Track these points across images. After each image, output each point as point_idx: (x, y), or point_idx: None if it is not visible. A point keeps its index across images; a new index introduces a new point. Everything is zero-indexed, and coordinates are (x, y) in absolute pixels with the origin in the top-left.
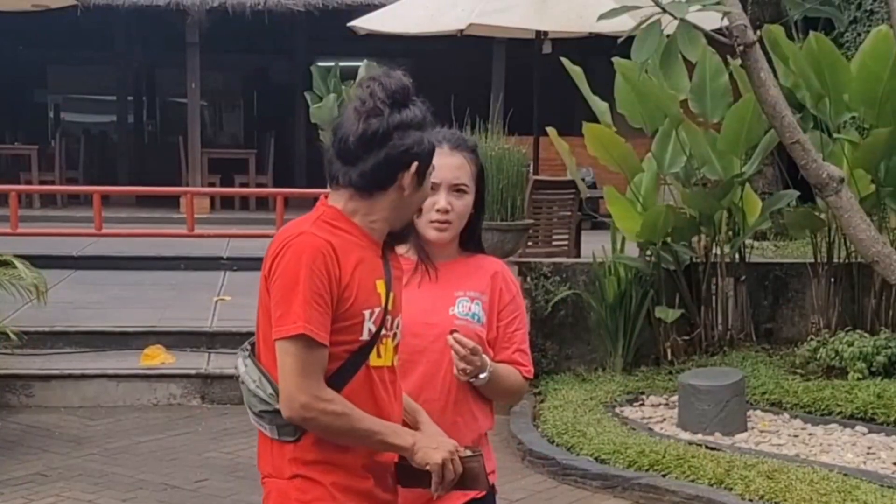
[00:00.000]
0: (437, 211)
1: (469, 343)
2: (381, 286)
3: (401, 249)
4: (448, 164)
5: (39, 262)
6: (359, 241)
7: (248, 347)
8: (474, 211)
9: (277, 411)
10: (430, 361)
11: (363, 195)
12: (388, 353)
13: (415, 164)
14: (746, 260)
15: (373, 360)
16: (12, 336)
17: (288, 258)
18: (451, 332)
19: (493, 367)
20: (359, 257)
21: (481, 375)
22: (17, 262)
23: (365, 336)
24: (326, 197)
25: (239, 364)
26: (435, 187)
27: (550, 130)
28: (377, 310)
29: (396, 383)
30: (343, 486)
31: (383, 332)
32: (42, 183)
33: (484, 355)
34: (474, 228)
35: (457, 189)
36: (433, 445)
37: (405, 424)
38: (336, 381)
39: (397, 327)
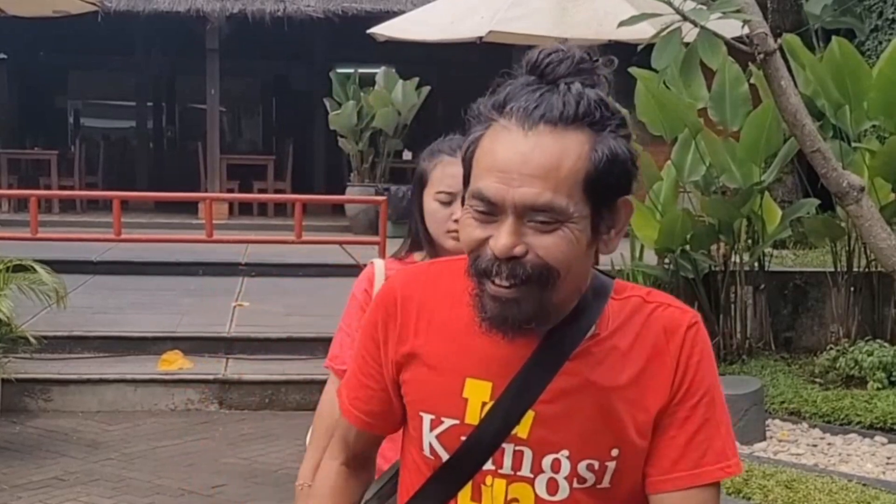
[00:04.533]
0: (456, 221)
1: None
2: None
3: (417, 257)
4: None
5: (59, 266)
6: None
7: None
8: None
9: None
10: None
11: None
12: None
13: None
14: (766, 268)
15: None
16: (31, 340)
17: None
18: None
19: None
20: None
21: None
22: (37, 267)
23: (427, 452)
24: None
25: None
26: (453, 197)
27: None
28: (449, 423)
29: None
30: None
31: (485, 466)
32: (62, 188)
33: None
34: None
35: None
36: None
37: None
38: None
39: (542, 469)
